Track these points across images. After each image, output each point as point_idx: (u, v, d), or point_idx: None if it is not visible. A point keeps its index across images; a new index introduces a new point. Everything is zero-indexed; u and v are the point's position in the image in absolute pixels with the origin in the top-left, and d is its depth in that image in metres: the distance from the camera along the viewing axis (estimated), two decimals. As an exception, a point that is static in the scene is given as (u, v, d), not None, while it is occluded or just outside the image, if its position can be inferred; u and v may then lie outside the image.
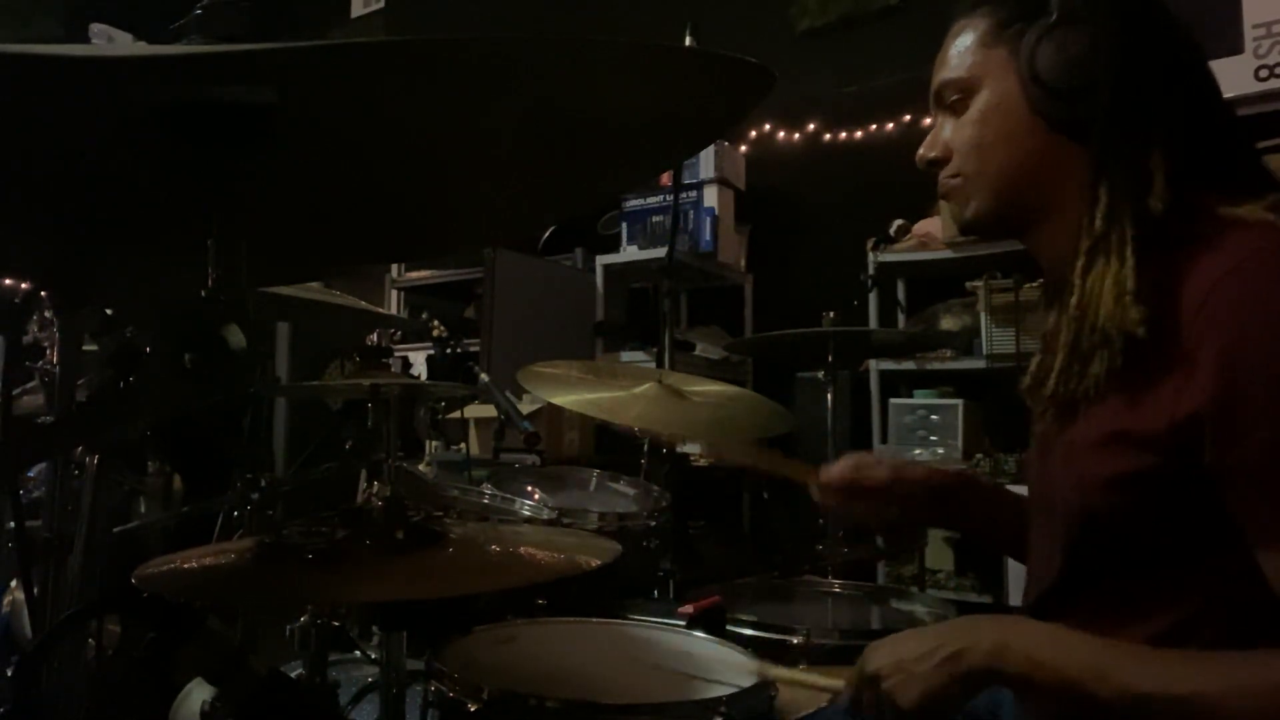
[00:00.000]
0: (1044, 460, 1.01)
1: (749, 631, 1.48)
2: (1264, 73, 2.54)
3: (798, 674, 1.12)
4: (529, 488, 1.89)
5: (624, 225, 3.73)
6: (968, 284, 3.13)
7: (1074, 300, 0.93)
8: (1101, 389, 0.91)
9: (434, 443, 2.35)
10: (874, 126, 3.62)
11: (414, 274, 4.27)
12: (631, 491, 1.97)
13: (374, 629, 1.28)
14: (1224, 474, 0.83)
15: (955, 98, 1.02)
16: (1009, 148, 0.99)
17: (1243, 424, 0.81)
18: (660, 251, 3.08)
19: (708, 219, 3.58)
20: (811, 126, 3.79)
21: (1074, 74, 0.94)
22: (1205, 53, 0.97)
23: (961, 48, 1.02)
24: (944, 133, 1.05)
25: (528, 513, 1.62)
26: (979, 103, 1.00)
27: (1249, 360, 0.81)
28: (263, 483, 1.54)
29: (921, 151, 1.07)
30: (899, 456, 3.05)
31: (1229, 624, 0.85)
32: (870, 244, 3.23)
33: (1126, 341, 0.88)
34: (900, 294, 3.43)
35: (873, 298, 3.26)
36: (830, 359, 2.30)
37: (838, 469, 1.26)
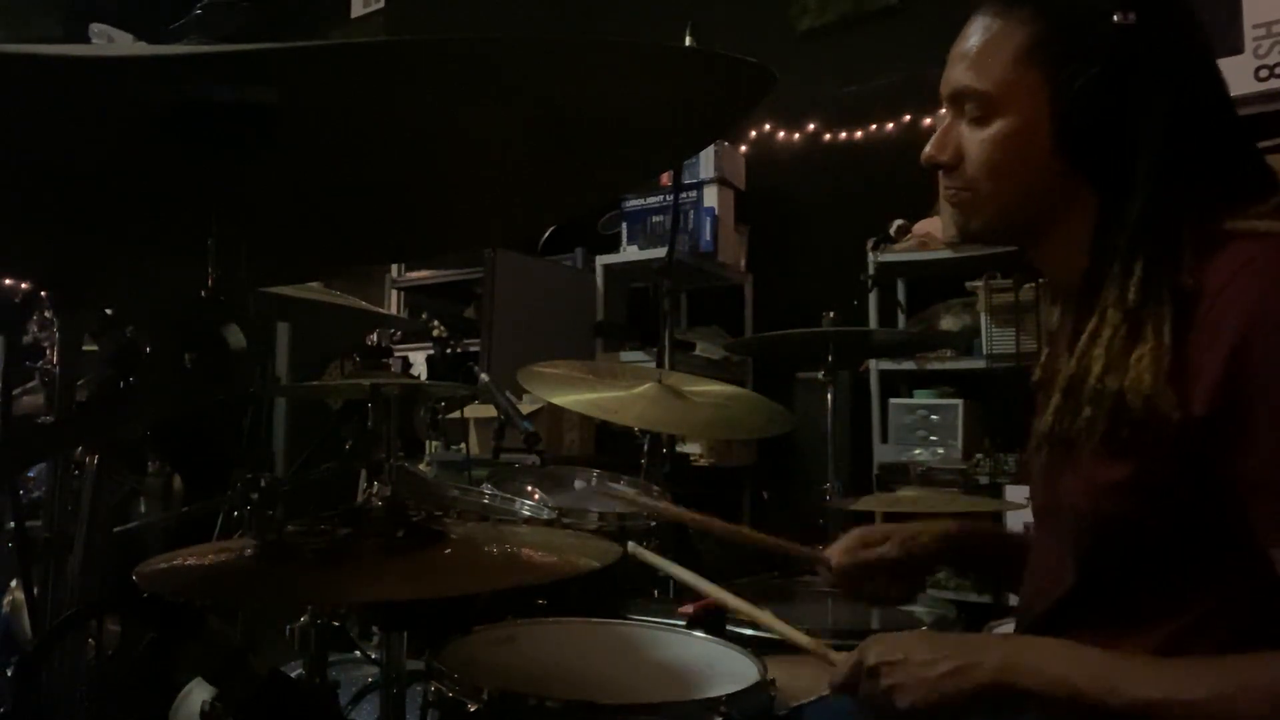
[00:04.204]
0: (1051, 468, 1.00)
1: (749, 631, 1.48)
2: (1264, 73, 2.54)
3: (789, 630, 1.10)
4: (529, 488, 1.89)
5: (624, 225, 3.73)
6: (968, 284, 3.13)
7: (1096, 370, 0.90)
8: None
9: (434, 443, 2.35)
10: (874, 126, 3.62)
11: (414, 274, 4.27)
12: (631, 492, 1.97)
13: (374, 629, 1.28)
14: (1233, 478, 0.83)
15: (977, 111, 0.98)
16: (1027, 177, 0.97)
17: (1251, 429, 0.81)
18: (660, 251, 3.08)
19: (708, 219, 3.58)
20: (811, 126, 3.79)
21: (1115, 127, 0.91)
22: (1225, 85, 0.95)
23: (992, 54, 0.96)
24: (957, 136, 1.01)
25: (528, 513, 1.62)
26: (1003, 125, 0.96)
27: (1251, 365, 0.81)
28: (263, 483, 1.54)
29: (931, 152, 1.03)
30: (903, 453, 3.05)
31: (1243, 625, 0.85)
32: (870, 244, 3.23)
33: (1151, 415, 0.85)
34: (900, 294, 3.42)
35: (873, 298, 3.26)
36: (830, 359, 2.30)
37: (843, 548, 1.24)
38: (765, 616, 1.12)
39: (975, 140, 0.99)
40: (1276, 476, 0.81)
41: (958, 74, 1.00)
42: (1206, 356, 0.83)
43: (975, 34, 0.99)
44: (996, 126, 0.97)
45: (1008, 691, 0.88)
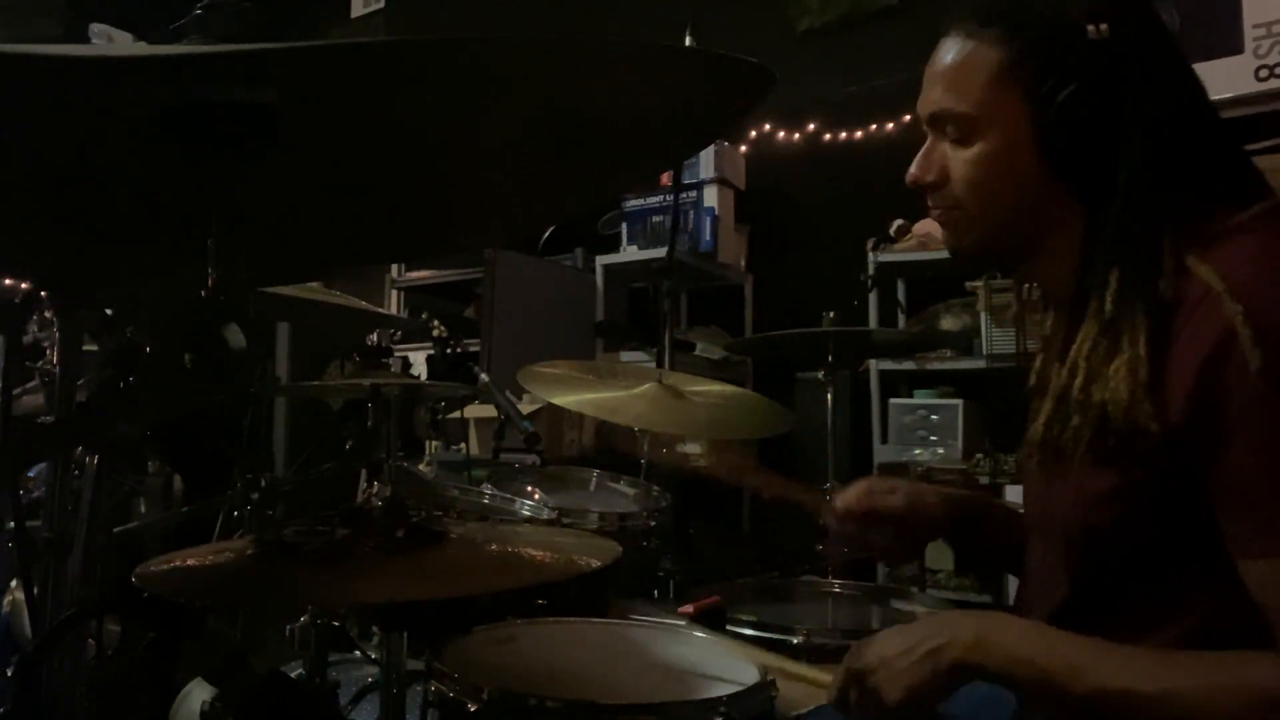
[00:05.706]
0: (1042, 476, 1.00)
1: (749, 631, 1.48)
2: (1264, 73, 2.54)
3: (790, 664, 1.12)
4: (529, 488, 1.89)
5: (624, 225, 3.73)
6: (968, 284, 3.14)
7: (1079, 382, 0.90)
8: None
9: (434, 443, 2.35)
10: (874, 126, 3.62)
11: (414, 274, 4.27)
12: (631, 491, 1.97)
13: (374, 629, 1.28)
14: (1205, 486, 0.84)
15: (958, 133, 0.98)
16: (1014, 193, 0.97)
17: (1222, 441, 0.82)
18: (660, 251, 3.07)
19: (708, 219, 3.58)
20: (811, 126, 3.79)
21: (1098, 139, 0.91)
22: (1206, 92, 0.95)
23: (968, 75, 0.96)
24: (941, 155, 1.01)
25: (528, 513, 1.62)
26: (985, 145, 0.97)
27: (1224, 377, 0.81)
28: (263, 483, 1.54)
29: (916, 173, 1.03)
30: (903, 453, 3.05)
31: (1242, 628, 0.84)
32: (870, 244, 3.23)
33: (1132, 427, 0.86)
34: (900, 294, 3.43)
35: (873, 298, 3.26)
36: (830, 359, 2.30)
37: (853, 495, 1.24)
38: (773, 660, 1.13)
39: (959, 160, 0.99)
40: (1246, 488, 0.81)
41: (935, 96, 1.00)
42: (1182, 367, 0.83)
43: (948, 55, 0.99)
44: (979, 147, 0.97)
45: (979, 670, 0.89)
